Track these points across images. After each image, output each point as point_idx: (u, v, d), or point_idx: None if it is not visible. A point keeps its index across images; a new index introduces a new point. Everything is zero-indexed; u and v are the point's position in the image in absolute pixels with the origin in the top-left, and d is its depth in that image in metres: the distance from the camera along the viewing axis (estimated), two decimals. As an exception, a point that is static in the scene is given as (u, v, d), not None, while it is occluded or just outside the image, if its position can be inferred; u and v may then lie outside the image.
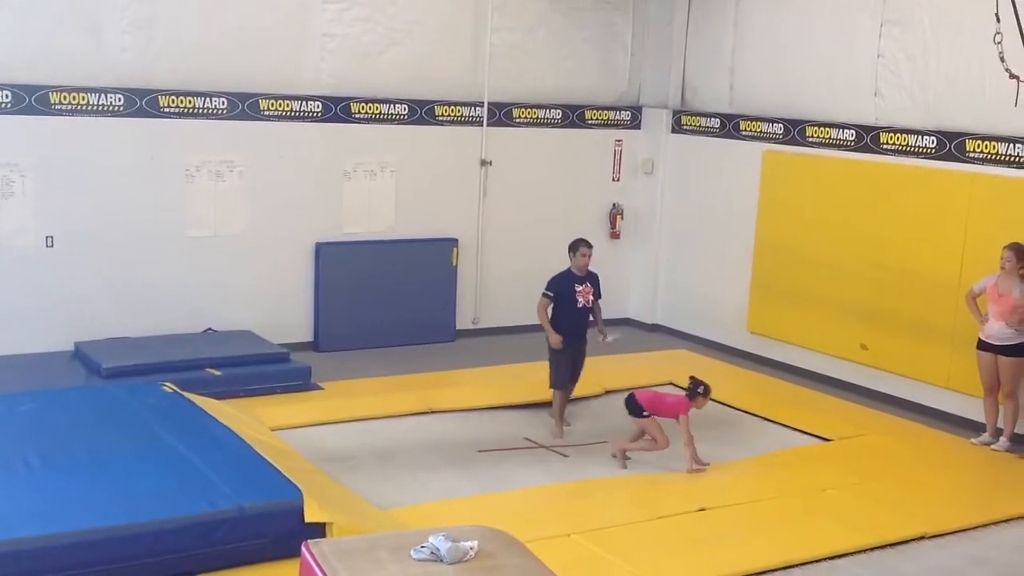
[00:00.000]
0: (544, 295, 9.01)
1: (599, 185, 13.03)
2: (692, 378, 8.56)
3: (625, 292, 13.15)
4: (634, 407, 8.44)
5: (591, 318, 9.18)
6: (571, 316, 9.04)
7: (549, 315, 9.02)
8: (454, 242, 12.06)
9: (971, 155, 9.76)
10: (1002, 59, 7.54)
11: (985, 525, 7.63)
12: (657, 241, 13.08)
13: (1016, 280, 8.94)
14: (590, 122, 12.87)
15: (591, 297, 9.10)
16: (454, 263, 12.07)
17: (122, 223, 10.40)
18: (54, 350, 10.08)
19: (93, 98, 10.15)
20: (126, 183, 10.37)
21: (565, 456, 8.70)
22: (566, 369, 9.11)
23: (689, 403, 8.39)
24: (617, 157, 13.13)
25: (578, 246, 9.14)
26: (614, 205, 13.12)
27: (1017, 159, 9.41)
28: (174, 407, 8.31)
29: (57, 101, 10.00)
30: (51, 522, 5.97)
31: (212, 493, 6.49)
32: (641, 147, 13.14)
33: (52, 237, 10.14)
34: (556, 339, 8.94)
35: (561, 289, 8.98)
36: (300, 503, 6.46)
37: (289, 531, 6.21)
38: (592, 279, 9.15)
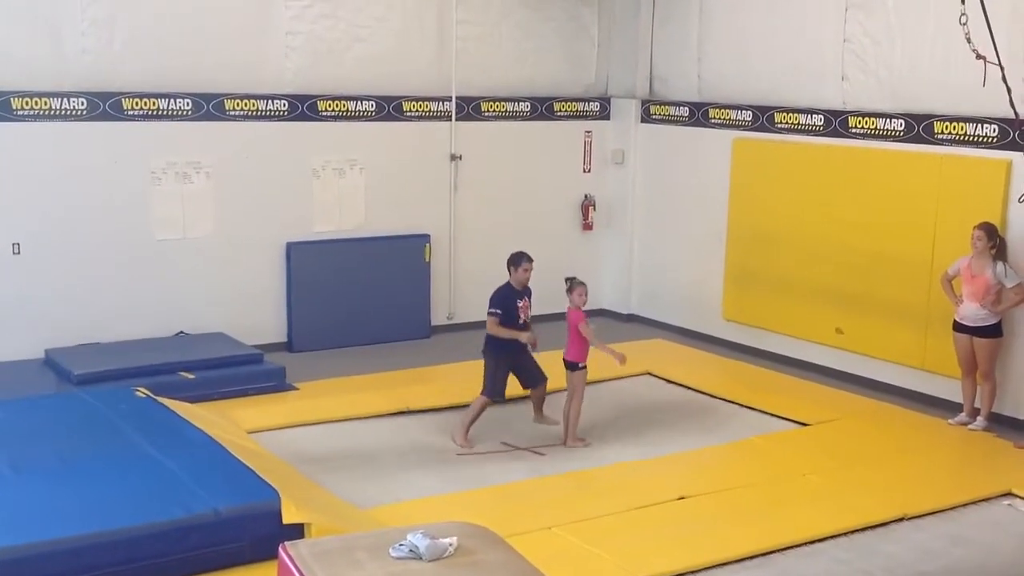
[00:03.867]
0: (493, 314, 8.73)
1: (570, 177, 13.01)
2: (565, 278, 9.00)
3: (599, 283, 13.12)
4: (568, 363, 8.86)
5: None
6: (511, 330, 8.82)
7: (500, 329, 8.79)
8: (426, 238, 12.00)
9: (939, 137, 9.79)
10: (968, 40, 7.52)
11: (964, 505, 7.66)
12: (630, 231, 13.07)
13: (988, 260, 8.98)
14: (559, 114, 12.83)
15: (529, 312, 8.92)
16: (427, 259, 12.01)
17: (89, 228, 10.28)
18: (24, 358, 9.95)
19: (55, 103, 10.02)
20: (92, 188, 10.25)
21: (543, 455, 8.63)
22: (504, 377, 8.86)
23: (574, 307, 8.78)
24: (587, 148, 13.10)
25: (520, 260, 8.86)
26: (586, 196, 13.10)
27: (985, 139, 9.45)
28: (147, 412, 8.22)
29: (19, 107, 9.86)
30: (24, 532, 5.89)
31: (187, 497, 6.42)
32: (611, 138, 13.12)
33: (19, 244, 10.01)
34: (528, 335, 8.76)
35: (506, 306, 8.77)
36: (277, 505, 6.40)
37: (267, 533, 6.14)
38: (528, 293, 8.95)
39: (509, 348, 8.79)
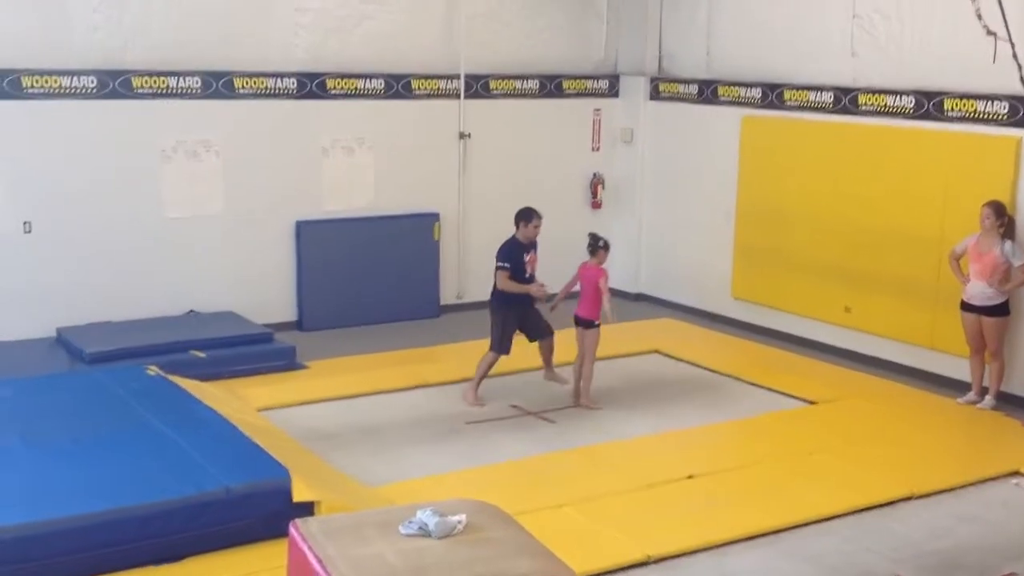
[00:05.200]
0: (501, 267, 8.79)
1: (579, 155, 12.99)
2: (590, 234, 8.98)
3: (608, 262, 13.10)
4: (581, 321, 8.85)
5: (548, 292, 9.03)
6: (520, 284, 8.91)
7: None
8: (435, 216, 12.01)
9: (949, 114, 9.74)
10: (979, 16, 7.53)
11: (972, 483, 7.67)
12: (639, 210, 13.05)
13: (996, 238, 8.96)
14: (568, 92, 12.80)
15: (536, 265, 8.98)
16: (436, 238, 12.02)
17: (100, 207, 10.31)
18: (36, 336, 10.01)
19: (65, 81, 10.03)
20: (102, 166, 10.28)
21: (553, 423, 8.71)
22: (512, 332, 8.93)
23: (597, 264, 8.77)
24: (596, 126, 13.07)
25: (531, 216, 8.90)
26: (595, 175, 13.09)
27: (995, 116, 9.39)
28: (159, 390, 8.27)
29: (29, 85, 9.88)
30: (36, 509, 5.94)
31: (199, 475, 6.47)
32: (620, 116, 13.09)
33: (30, 223, 10.04)
34: (538, 288, 8.81)
35: (513, 260, 8.80)
36: (287, 483, 6.45)
37: (277, 511, 6.19)
38: (534, 246, 8.98)
39: (515, 302, 8.82)
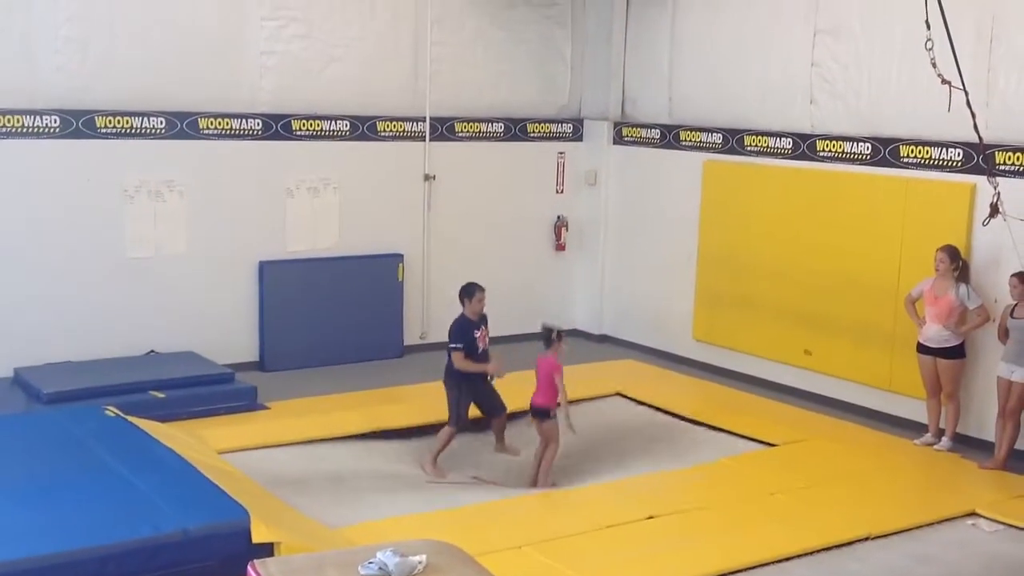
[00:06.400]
0: (455, 348, 8.74)
1: (543, 197, 13.09)
2: (543, 326, 8.77)
3: (572, 304, 13.21)
4: (536, 411, 8.57)
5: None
6: (477, 362, 8.86)
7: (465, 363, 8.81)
8: (399, 257, 12.04)
9: (905, 160, 9.94)
10: (933, 65, 7.66)
11: (929, 524, 7.75)
12: (602, 252, 13.15)
13: (951, 282, 9.11)
14: (532, 135, 12.93)
15: (487, 341, 8.94)
16: (400, 278, 12.04)
17: (61, 245, 10.25)
18: (-8, 377, 9.91)
19: (28, 120, 10.01)
20: (64, 205, 10.24)
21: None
22: (467, 406, 8.89)
23: (553, 355, 8.55)
24: (560, 169, 13.20)
25: (473, 291, 8.86)
26: (559, 217, 13.18)
27: (950, 163, 9.60)
28: (117, 431, 8.18)
29: (-9, 124, 9.86)
30: (-9, 551, 5.85)
31: (156, 516, 6.40)
32: (583, 159, 13.22)
33: (-11, 262, 9.98)
34: (494, 365, 8.79)
35: (465, 339, 8.77)
36: (247, 524, 6.39)
37: (236, 553, 6.12)
38: (484, 321, 8.96)
39: (470, 379, 8.83)
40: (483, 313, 8.92)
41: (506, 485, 8.67)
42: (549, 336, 8.61)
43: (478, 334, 8.82)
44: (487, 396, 9.03)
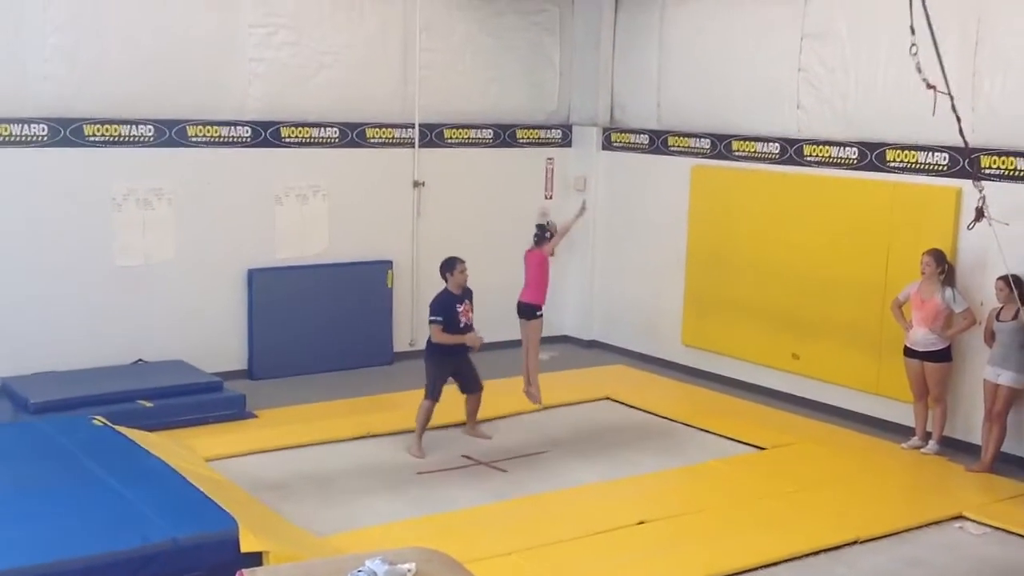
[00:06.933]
0: (434, 321, 8.88)
1: (532, 203, 13.04)
2: (538, 226, 9.31)
3: (561, 310, 13.19)
4: (524, 308, 8.92)
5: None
6: (455, 335, 9.00)
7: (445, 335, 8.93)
8: (389, 264, 12.04)
9: (891, 164, 9.98)
10: (919, 70, 7.68)
11: (917, 528, 7.78)
12: (591, 258, 13.17)
13: (937, 285, 9.15)
14: (521, 141, 12.94)
15: (471, 315, 9.03)
16: (389, 285, 12.04)
17: (49, 254, 10.22)
18: (-20, 386, 9.88)
19: (16, 129, 9.98)
20: (52, 214, 10.20)
21: (504, 471, 8.71)
22: (444, 380, 9.03)
23: (542, 250, 9.12)
24: (549, 175, 13.21)
25: (454, 264, 9.01)
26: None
27: (936, 167, 9.64)
28: (105, 441, 8.17)
29: (-22, 133, 9.84)
30: (-22, 563, 5.84)
31: (144, 526, 6.40)
32: (572, 165, 13.24)
33: (-24, 271, 9.96)
34: (474, 337, 8.92)
35: (446, 312, 8.89)
36: (235, 533, 6.39)
37: (225, 562, 6.12)
38: (468, 295, 9.08)
39: (450, 352, 8.92)
40: (467, 287, 8.96)
41: (496, 465, 8.73)
42: (543, 232, 8.78)
43: (460, 308, 8.88)
44: (466, 371, 9.15)
